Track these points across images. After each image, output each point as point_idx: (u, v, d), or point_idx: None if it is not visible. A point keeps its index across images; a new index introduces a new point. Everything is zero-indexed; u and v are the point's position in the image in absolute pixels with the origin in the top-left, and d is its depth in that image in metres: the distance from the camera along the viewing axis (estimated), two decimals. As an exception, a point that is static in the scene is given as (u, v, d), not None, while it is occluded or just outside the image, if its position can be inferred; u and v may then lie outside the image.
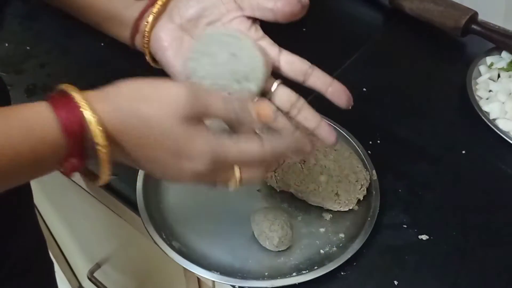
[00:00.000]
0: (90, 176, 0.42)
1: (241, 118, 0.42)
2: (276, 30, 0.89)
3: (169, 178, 0.43)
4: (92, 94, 0.39)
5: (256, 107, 0.43)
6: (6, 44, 0.84)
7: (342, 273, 0.57)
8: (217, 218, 0.62)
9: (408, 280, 0.57)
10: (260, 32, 0.50)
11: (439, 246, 0.60)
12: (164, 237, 0.58)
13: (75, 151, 0.38)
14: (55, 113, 0.37)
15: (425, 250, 0.59)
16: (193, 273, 0.56)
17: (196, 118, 0.40)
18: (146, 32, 0.50)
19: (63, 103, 0.37)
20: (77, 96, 0.38)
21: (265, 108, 0.43)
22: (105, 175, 0.40)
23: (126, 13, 0.51)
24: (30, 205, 0.64)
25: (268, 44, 0.50)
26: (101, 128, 0.37)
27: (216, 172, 0.42)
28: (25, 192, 0.61)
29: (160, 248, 0.57)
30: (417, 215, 0.62)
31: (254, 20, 0.49)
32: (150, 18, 0.49)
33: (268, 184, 0.63)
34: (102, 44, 0.81)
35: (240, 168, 0.43)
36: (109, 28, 0.53)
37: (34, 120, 0.37)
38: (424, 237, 0.60)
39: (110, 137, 0.38)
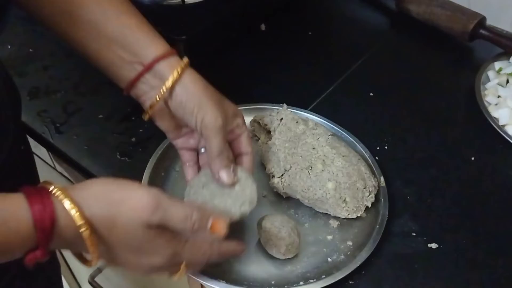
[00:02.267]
0: (82, 259, 0.47)
1: (197, 230, 0.46)
2: (281, 34, 0.87)
3: (128, 269, 0.47)
4: (69, 186, 0.43)
5: (213, 220, 0.47)
6: (9, 46, 0.84)
7: (351, 282, 0.56)
8: (222, 224, 0.61)
9: (417, 290, 0.56)
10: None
11: (449, 255, 0.59)
12: (169, 244, 0.57)
13: (42, 244, 0.40)
14: (29, 205, 0.40)
15: (435, 258, 0.58)
16: (197, 281, 0.55)
17: (158, 226, 0.44)
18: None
19: (39, 196, 0.40)
20: (53, 187, 0.41)
21: (220, 222, 0.47)
22: (94, 256, 0.44)
23: (121, 72, 0.55)
24: None
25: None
26: (77, 209, 0.41)
27: (168, 267, 0.48)
28: None
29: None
30: (426, 223, 0.61)
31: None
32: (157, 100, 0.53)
33: (275, 190, 0.62)
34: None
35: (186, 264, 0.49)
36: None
37: (10, 212, 0.39)
38: (433, 245, 0.59)
39: (87, 220, 0.41)
